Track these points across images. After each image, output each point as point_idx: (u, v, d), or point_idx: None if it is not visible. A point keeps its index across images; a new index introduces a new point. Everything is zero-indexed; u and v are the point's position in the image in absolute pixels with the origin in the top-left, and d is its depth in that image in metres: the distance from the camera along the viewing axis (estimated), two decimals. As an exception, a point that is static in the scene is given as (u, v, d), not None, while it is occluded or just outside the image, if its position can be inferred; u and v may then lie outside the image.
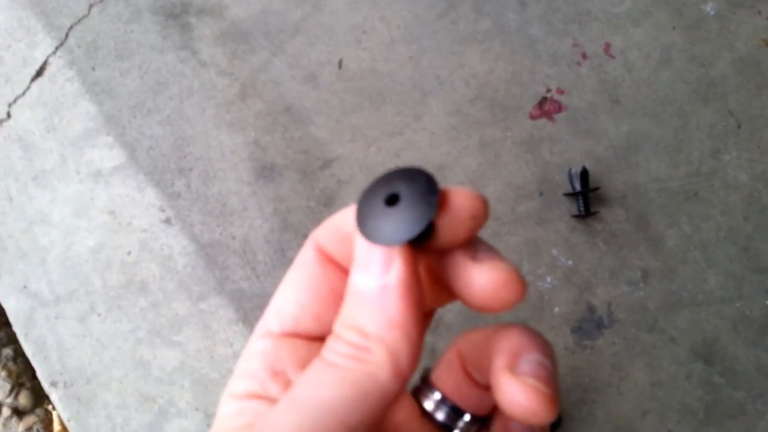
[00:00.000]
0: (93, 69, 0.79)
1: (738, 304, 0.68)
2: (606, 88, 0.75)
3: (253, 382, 0.22)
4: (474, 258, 0.21)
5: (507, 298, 0.20)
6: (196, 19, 0.80)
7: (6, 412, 0.74)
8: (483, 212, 0.21)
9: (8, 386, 0.74)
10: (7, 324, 0.74)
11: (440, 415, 0.24)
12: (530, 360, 0.21)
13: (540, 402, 0.20)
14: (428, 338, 0.68)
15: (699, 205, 0.71)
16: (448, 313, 0.69)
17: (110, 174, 0.76)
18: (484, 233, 0.66)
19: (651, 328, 0.68)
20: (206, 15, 0.80)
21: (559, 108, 0.75)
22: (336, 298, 0.24)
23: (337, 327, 0.21)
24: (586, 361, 0.68)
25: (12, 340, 0.75)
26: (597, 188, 0.71)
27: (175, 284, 0.72)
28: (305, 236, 0.26)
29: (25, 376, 0.75)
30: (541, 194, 0.72)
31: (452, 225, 0.21)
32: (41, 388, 0.72)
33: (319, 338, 0.24)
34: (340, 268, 0.24)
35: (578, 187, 0.69)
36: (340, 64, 0.77)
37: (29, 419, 0.74)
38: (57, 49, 0.80)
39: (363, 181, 0.74)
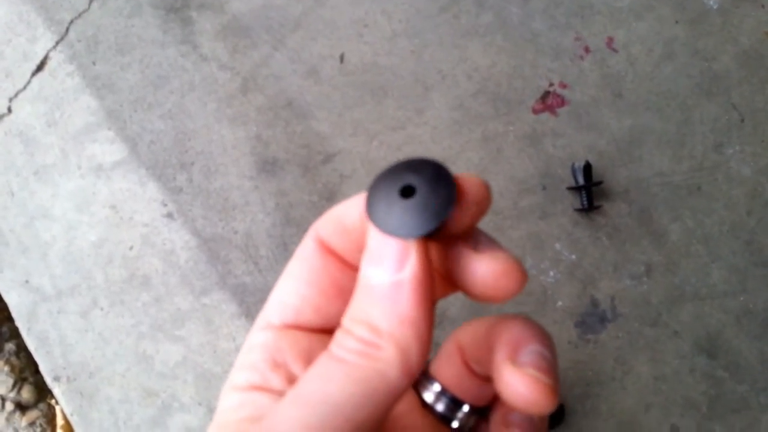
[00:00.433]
0: (94, 63, 0.79)
1: (741, 298, 0.68)
2: (609, 82, 0.75)
3: (255, 374, 0.22)
4: (475, 248, 0.21)
5: (508, 287, 0.20)
6: (197, 13, 0.80)
7: (9, 407, 0.74)
8: (488, 198, 0.21)
9: (11, 381, 0.74)
10: (9, 319, 0.74)
11: (440, 407, 0.24)
12: (531, 351, 0.21)
13: (541, 392, 0.20)
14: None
15: (702, 199, 0.71)
16: (451, 306, 0.69)
17: (111, 168, 0.76)
18: (487, 227, 0.66)
19: (654, 322, 0.68)
20: (207, 9, 0.80)
21: (562, 102, 0.74)
22: (337, 290, 0.24)
23: (347, 321, 0.21)
24: (589, 355, 0.68)
25: (15, 334, 0.75)
26: (600, 182, 0.70)
27: (178, 279, 0.72)
28: (307, 231, 0.25)
29: (27, 370, 0.76)
30: (544, 188, 0.72)
31: (460, 214, 0.21)
32: (44, 383, 0.72)
33: (319, 330, 0.24)
34: (341, 260, 0.24)
35: (581, 181, 0.69)
36: (341, 59, 0.77)
37: (32, 414, 0.74)
38: (57, 43, 0.80)
39: (365, 176, 0.74)
